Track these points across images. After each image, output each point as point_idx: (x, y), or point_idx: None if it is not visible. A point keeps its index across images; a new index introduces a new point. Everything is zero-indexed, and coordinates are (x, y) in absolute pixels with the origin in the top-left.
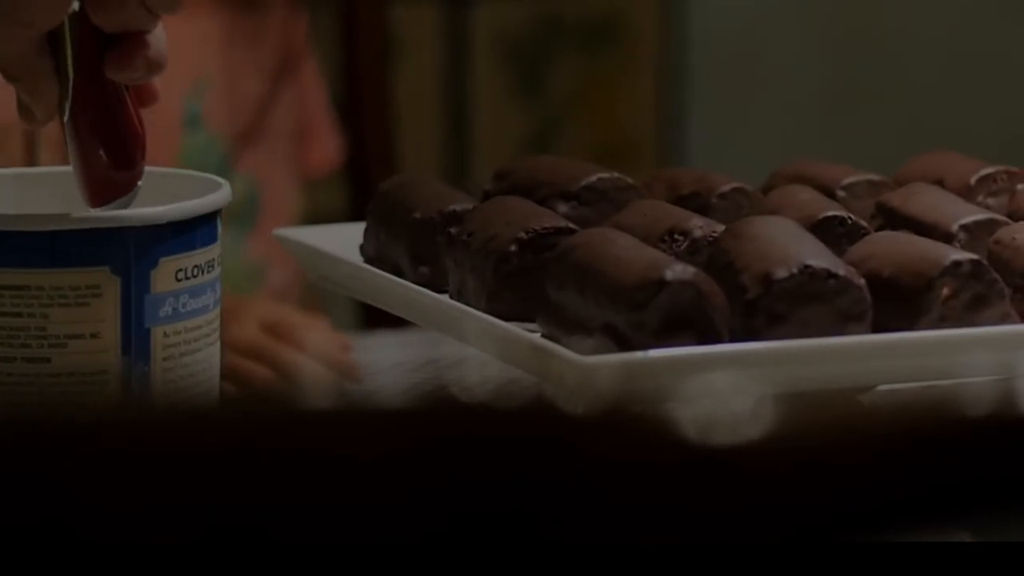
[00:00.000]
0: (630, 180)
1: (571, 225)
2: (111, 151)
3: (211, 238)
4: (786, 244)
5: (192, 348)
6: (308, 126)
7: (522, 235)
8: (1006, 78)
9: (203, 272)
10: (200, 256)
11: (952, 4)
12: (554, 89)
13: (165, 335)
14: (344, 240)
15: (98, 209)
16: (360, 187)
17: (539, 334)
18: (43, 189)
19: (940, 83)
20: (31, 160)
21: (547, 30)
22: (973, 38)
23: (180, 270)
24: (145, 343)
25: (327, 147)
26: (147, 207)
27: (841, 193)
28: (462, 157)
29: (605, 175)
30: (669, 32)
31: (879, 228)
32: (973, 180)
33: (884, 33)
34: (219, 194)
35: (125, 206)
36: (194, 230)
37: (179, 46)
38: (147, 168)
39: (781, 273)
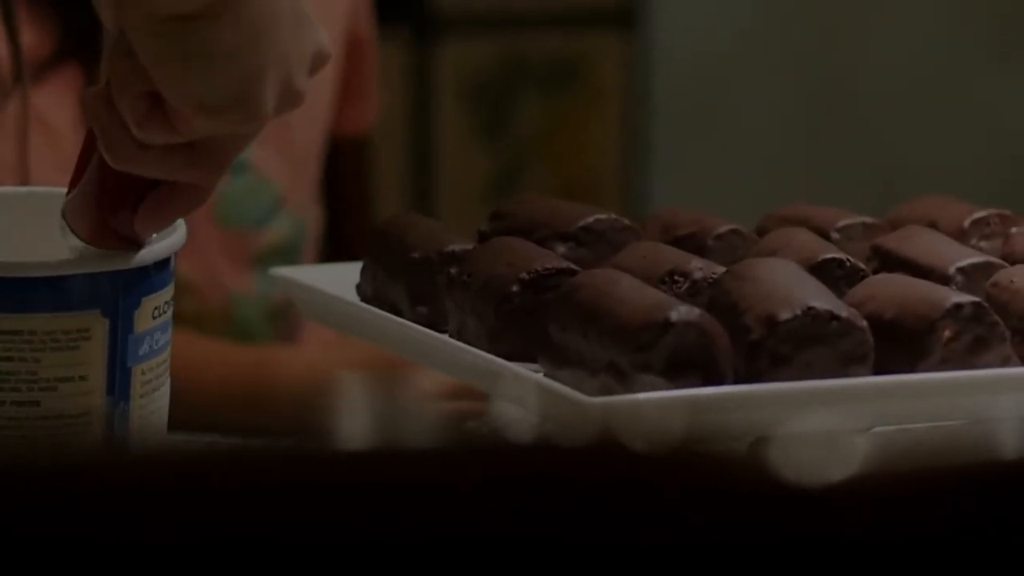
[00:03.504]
0: (627, 221)
1: (572, 266)
2: (113, 205)
3: (171, 276)
4: (789, 286)
5: (157, 384)
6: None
7: (523, 275)
8: (982, 116)
9: (168, 309)
10: (167, 293)
11: (919, 43)
12: (519, 129)
13: (143, 373)
14: (340, 280)
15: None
16: (331, 226)
17: (541, 374)
18: (24, 210)
19: (907, 121)
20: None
21: (512, 71)
22: (942, 79)
23: (156, 308)
24: (127, 382)
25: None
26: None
27: (835, 235)
28: (427, 197)
29: (603, 216)
30: (632, 73)
31: (875, 271)
32: (967, 223)
33: (849, 73)
34: (179, 234)
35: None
36: (164, 269)
37: None
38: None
39: (785, 315)
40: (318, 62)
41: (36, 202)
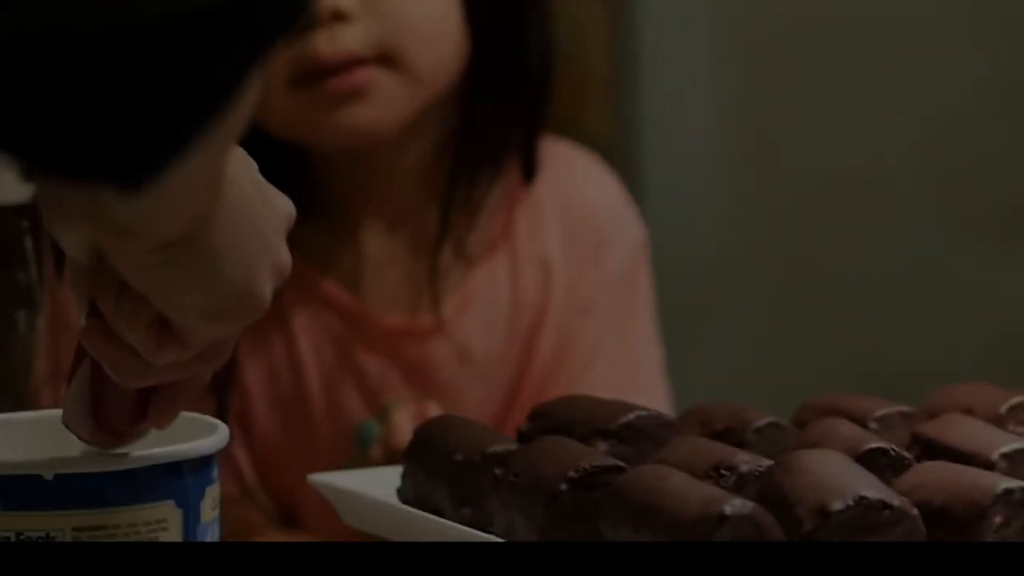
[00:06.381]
0: (667, 417)
1: (620, 463)
2: (109, 407)
3: (218, 470)
4: (839, 476)
5: None
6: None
7: (572, 474)
8: (974, 304)
9: (219, 503)
10: (218, 487)
11: (904, 227)
12: None
13: None
14: (381, 484)
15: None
16: None
17: None
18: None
19: (892, 305)
20: None
21: None
22: (932, 267)
23: (213, 499)
24: None
25: None
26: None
27: (874, 425)
28: None
29: (643, 412)
30: None
31: (917, 458)
32: (1003, 409)
33: (842, 263)
34: (223, 431)
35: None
36: (214, 463)
37: (361, 381)
38: None
39: (837, 505)
40: (289, 226)
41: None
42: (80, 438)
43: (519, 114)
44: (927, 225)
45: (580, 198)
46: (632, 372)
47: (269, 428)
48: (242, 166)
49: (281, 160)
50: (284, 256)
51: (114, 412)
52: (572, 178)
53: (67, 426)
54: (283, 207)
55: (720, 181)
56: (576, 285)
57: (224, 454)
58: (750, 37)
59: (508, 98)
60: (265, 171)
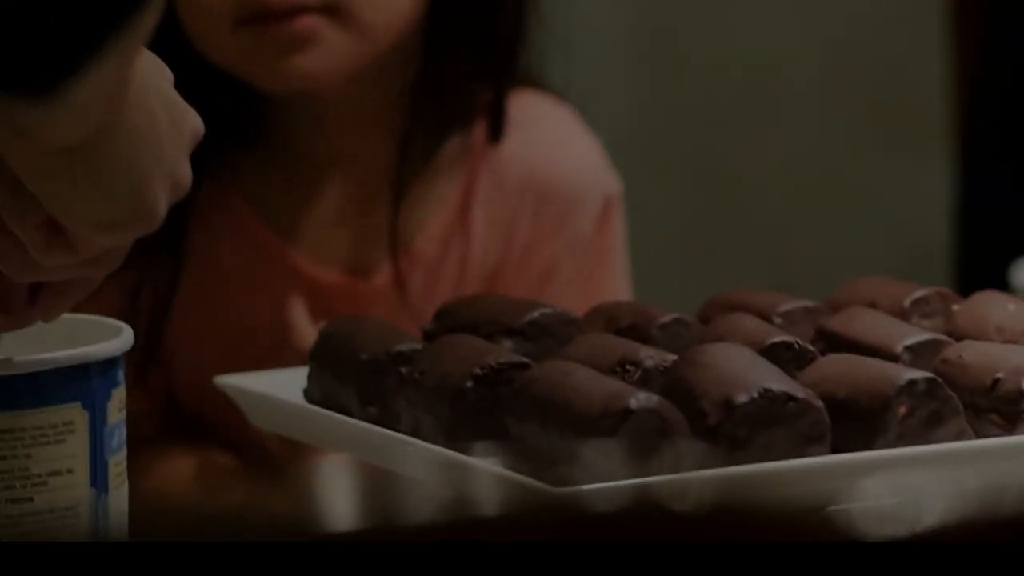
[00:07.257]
0: (572, 314)
1: (525, 359)
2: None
3: (124, 373)
4: (744, 369)
5: (124, 478)
6: None
7: (477, 371)
8: (872, 206)
9: (125, 405)
10: (124, 389)
11: (806, 132)
12: None
13: (116, 464)
14: (285, 385)
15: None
16: None
17: (501, 467)
18: None
19: (794, 210)
20: None
21: None
22: (830, 169)
23: (120, 401)
24: (105, 474)
25: None
26: (71, 346)
27: (778, 320)
28: None
29: (548, 310)
30: None
31: (822, 352)
32: (907, 303)
33: (741, 167)
34: (129, 332)
35: None
36: (120, 365)
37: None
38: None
39: (741, 398)
40: (195, 142)
41: None
42: None
43: (486, 70)
44: (829, 130)
45: (548, 162)
46: None
47: (192, 359)
48: (151, 76)
49: (235, 98)
50: (184, 172)
51: (6, 295)
52: (541, 139)
53: None
54: (189, 123)
55: (622, 81)
56: (537, 250)
57: (138, 379)
58: None
59: (474, 53)
60: (219, 109)
